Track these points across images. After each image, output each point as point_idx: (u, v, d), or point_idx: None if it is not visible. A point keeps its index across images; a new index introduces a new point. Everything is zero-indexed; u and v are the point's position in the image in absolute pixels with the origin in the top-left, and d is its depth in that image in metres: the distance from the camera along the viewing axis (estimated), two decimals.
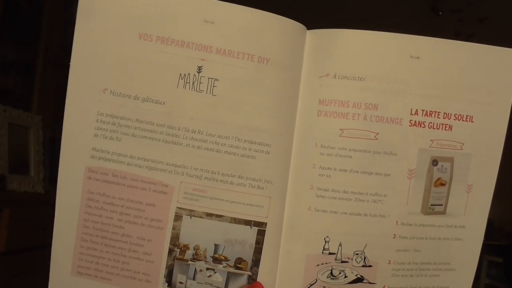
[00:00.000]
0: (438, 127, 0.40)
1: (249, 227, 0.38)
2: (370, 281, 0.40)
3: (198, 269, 0.38)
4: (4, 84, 1.53)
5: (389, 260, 0.40)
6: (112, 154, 0.38)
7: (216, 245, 0.38)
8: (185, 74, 0.37)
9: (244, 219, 0.38)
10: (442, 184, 0.41)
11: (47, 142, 1.61)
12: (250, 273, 0.38)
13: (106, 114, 0.37)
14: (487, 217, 0.42)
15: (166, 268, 0.38)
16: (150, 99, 0.37)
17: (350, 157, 0.39)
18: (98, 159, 0.38)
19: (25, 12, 1.64)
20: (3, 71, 1.52)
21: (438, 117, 0.40)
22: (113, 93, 0.37)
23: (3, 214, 1.18)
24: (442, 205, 0.41)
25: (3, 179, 1.33)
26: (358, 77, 0.39)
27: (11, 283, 1.21)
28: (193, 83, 0.37)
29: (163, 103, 0.37)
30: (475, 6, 2.21)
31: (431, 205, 0.41)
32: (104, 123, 0.37)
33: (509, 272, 2.28)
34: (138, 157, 0.38)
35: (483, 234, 0.42)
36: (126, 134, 0.37)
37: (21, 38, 1.62)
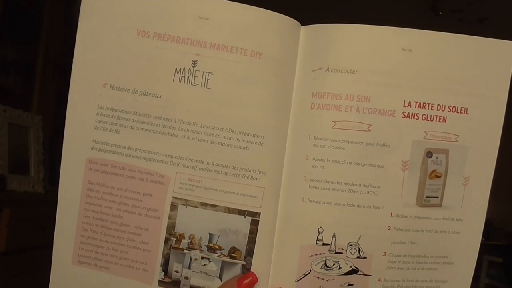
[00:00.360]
0: (432, 119, 0.40)
1: (243, 217, 0.39)
2: (365, 273, 0.40)
3: (193, 258, 0.39)
4: (4, 84, 1.56)
5: (384, 252, 0.40)
6: (111, 146, 0.39)
7: (210, 235, 0.39)
8: (180, 68, 0.38)
9: (238, 209, 0.39)
10: (437, 176, 0.41)
11: (47, 142, 1.63)
12: (244, 263, 0.39)
13: (106, 107, 0.39)
14: (485, 210, 0.41)
15: (162, 257, 0.39)
16: (147, 92, 0.39)
17: (343, 148, 0.39)
18: (98, 151, 0.39)
19: (25, 12, 1.67)
20: (3, 71, 1.55)
21: (432, 109, 0.40)
22: (112, 87, 0.39)
23: (3, 214, 1.19)
24: (438, 197, 0.41)
25: (3, 179, 1.34)
26: (351, 70, 0.40)
27: (11, 283, 1.22)
28: (188, 77, 0.38)
29: (160, 96, 0.39)
30: (475, 6, 2.20)
31: (426, 197, 0.41)
32: (104, 116, 0.39)
33: (509, 272, 2.22)
34: (136, 149, 0.39)
35: (482, 228, 0.42)
36: (125, 127, 0.39)
37: (21, 38, 1.65)
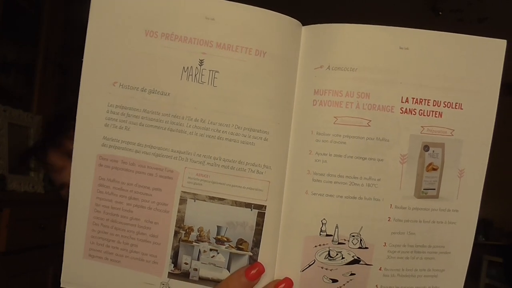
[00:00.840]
0: (428, 114, 0.42)
1: (250, 209, 0.40)
2: (367, 263, 0.42)
3: (202, 250, 0.40)
4: (4, 84, 1.56)
5: (385, 243, 0.42)
6: (121, 142, 0.40)
7: (218, 227, 0.40)
8: (188, 67, 0.40)
9: (245, 202, 0.40)
10: (434, 169, 0.43)
11: None
12: (251, 254, 0.40)
13: (116, 105, 0.40)
14: (479, 201, 0.43)
15: (172, 249, 0.41)
16: (156, 90, 0.40)
17: (344, 143, 0.41)
18: (109, 147, 0.41)
19: (25, 12, 1.67)
20: (3, 71, 1.55)
21: (428, 105, 0.42)
22: (122, 86, 0.40)
23: (3, 214, 1.20)
24: (434, 189, 0.43)
25: (3, 179, 1.34)
26: (351, 68, 0.41)
27: (11, 283, 1.23)
28: (195, 75, 0.40)
29: (168, 94, 0.40)
30: (475, 6, 2.23)
31: (424, 189, 0.43)
32: (114, 113, 0.40)
33: (509, 272, 2.26)
34: (145, 145, 0.40)
35: (477, 218, 0.44)
36: (134, 124, 0.40)
37: (21, 38, 1.65)
